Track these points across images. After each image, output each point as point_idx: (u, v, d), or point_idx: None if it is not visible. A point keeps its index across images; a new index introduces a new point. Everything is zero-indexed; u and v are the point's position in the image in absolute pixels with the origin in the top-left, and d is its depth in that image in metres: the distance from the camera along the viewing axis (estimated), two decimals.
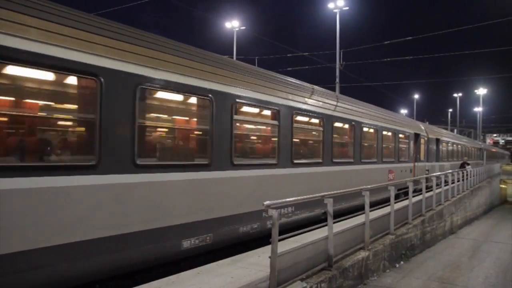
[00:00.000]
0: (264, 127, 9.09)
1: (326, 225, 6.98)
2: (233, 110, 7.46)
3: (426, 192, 13.57)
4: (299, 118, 9.54)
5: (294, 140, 9.26)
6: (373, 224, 8.79)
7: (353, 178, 11.66)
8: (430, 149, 20.60)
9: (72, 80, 5.31)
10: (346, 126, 11.83)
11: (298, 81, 10.18)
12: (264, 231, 7.85)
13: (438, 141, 22.23)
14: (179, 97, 6.83)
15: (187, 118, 7.46)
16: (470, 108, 77.60)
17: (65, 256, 4.87)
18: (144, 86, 5.93)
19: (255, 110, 8.50)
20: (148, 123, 6.26)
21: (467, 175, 20.90)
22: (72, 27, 5.17)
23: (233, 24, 33.57)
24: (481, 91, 64.38)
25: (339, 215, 9.77)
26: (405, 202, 11.90)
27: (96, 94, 5.30)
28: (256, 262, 6.47)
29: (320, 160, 10.31)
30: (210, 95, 6.97)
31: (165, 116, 7.11)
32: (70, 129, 5.67)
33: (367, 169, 12.86)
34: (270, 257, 5.37)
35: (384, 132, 14.41)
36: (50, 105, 5.32)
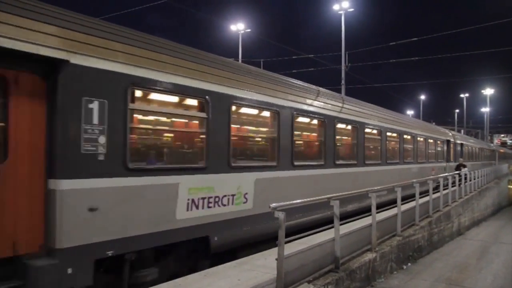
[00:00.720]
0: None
1: (332, 227, 6.97)
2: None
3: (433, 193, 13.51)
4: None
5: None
6: (380, 225, 8.77)
7: (416, 173, 16.91)
8: (457, 152, 25.79)
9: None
10: (409, 137, 16.89)
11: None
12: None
13: (462, 145, 27.56)
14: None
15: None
16: (477, 109, 77.02)
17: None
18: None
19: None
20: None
21: (467, 178, 20.48)
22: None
23: (238, 27, 33.59)
24: (488, 91, 63.84)
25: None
26: (412, 204, 11.86)
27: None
28: (262, 265, 6.48)
29: (395, 160, 15.25)
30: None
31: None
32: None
33: (421, 167, 18.13)
34: (276, 259, 5.38)
35: (430, 140, 19.84)
36: None
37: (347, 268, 7.04)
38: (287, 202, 5.85)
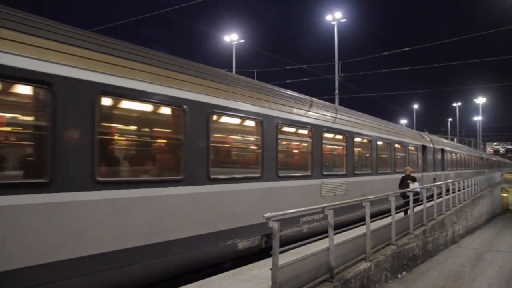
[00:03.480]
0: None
1: (327, 236, 6.98)
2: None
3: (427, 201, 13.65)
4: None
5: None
6: (374, 234, 8.79)
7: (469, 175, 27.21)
8: (487, 163, 46.61)
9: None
10: (473, 158, 34.68)
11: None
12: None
13: (486, 159, 47.80)
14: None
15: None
16: (470, 117, 77.79)
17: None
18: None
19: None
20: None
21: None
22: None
23: (232, 38, 33.77)
24: (480, 100, 64.60)
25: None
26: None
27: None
28: (257, 275, 6.47)
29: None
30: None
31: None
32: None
33: (475, 171, 32.64)
34: (271, 269, 5.38)
35: (474, 158, 37.00)
36: None
37: (341, 277, 7.04)
38: (281, 212, 5.86)
